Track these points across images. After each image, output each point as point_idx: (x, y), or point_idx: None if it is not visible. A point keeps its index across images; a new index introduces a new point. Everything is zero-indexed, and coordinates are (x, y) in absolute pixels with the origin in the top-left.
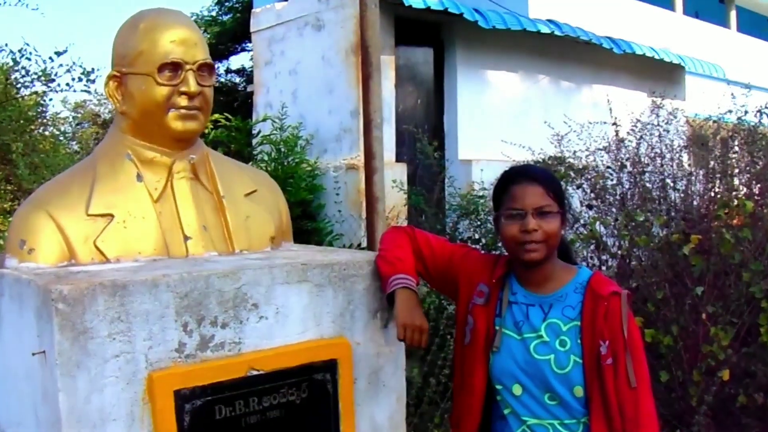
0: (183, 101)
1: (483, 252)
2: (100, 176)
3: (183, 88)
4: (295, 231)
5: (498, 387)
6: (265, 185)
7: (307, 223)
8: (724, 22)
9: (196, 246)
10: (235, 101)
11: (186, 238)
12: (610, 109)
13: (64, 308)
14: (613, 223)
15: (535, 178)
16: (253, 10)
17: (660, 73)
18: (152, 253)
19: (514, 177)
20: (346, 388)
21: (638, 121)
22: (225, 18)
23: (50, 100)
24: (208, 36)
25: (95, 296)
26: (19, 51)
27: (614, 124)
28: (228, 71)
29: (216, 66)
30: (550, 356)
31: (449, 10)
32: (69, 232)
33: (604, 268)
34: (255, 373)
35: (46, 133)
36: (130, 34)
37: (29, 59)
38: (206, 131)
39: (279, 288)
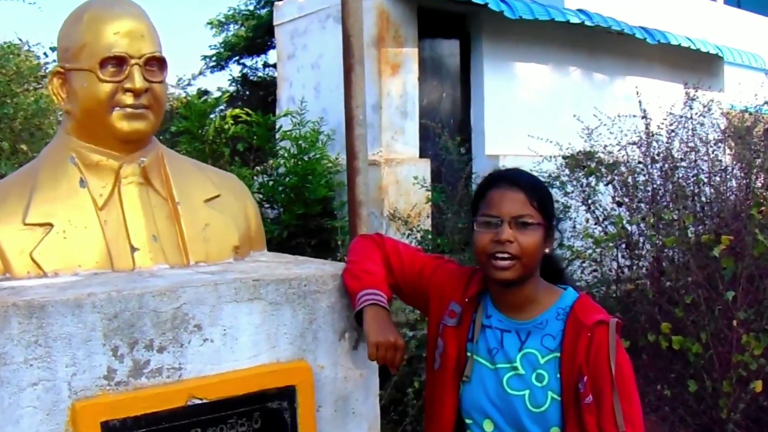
0: (128, 99)
1: (458, 265)
2: (41, 182)
3: (128, 85)
4: (315, 229)
5: (468, 421)
6: (230, 189)
7: (326, 220)
8: (765, 11)
9: (144, 258)
10: (270, 95)
11: (133, 249)
12: (640, 102)
13: None
14: (641, 222)
15: (516, 183)
16: (275, 3)
17: (697, 64)
18: (94, 266)
19: (495, 181)
20: (307, 417)
21: (670, 113)
22: (262, 12)
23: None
24: (245, 30)
25: (8, 318)
26: (8, 46)
27: (644, 117)
28: (266, 65)
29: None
30: (524, 392)
31: (474, 0)
32: (3, 243)
33: (635, 267)
34: (197, 401)
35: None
36: (74, 26)
37: (19, 55)
38: (226, 127)
39: (226, 307)
